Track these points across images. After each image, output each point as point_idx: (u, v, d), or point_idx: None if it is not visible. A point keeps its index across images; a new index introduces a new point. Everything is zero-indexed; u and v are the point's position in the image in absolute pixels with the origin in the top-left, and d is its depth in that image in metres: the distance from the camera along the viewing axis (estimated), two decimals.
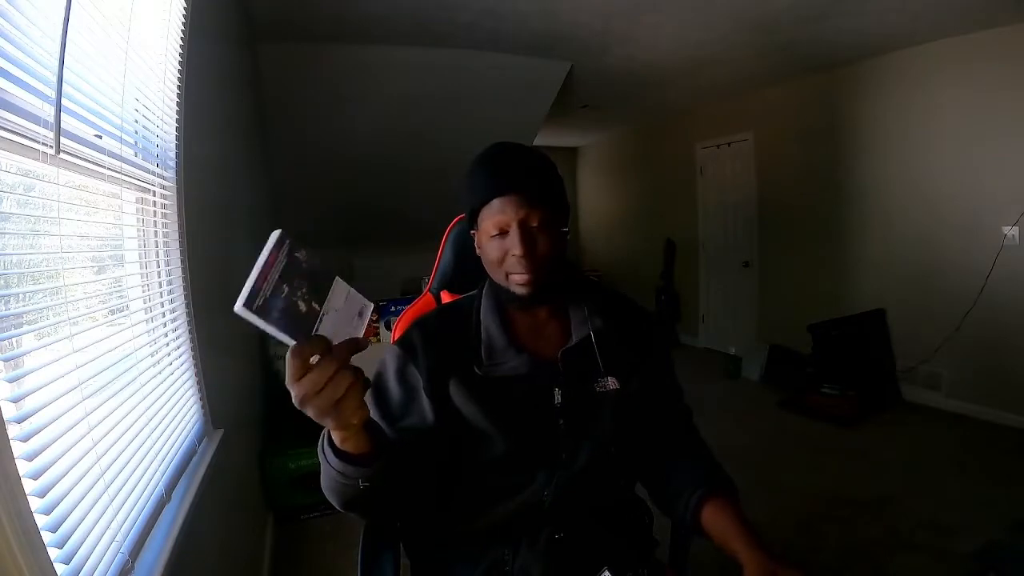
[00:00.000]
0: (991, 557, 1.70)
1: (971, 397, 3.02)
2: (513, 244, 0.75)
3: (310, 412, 0.50)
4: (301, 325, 0.48)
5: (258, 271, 0.45)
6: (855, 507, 2.14)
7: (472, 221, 0.81)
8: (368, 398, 0.79)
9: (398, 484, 0.68)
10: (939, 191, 3.10)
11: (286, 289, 0.46)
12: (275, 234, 0.46)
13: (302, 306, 0.48)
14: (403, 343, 0.82)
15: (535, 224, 0.75)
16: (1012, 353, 2.83)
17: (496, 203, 0.76)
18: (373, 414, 0.77)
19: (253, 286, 0.45)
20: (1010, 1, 2.46)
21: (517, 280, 0.77)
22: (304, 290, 0.48)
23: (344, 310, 0.51)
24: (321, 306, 0.49)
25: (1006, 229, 2.80)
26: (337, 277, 0.50)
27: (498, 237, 0.77)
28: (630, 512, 0.91)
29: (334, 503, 0.67)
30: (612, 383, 0.81)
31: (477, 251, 0.83)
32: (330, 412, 0.50)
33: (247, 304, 0.45)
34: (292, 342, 0.47)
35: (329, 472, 0.61)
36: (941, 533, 1.91)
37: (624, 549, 0.83)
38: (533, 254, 0.75)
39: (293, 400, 0.50)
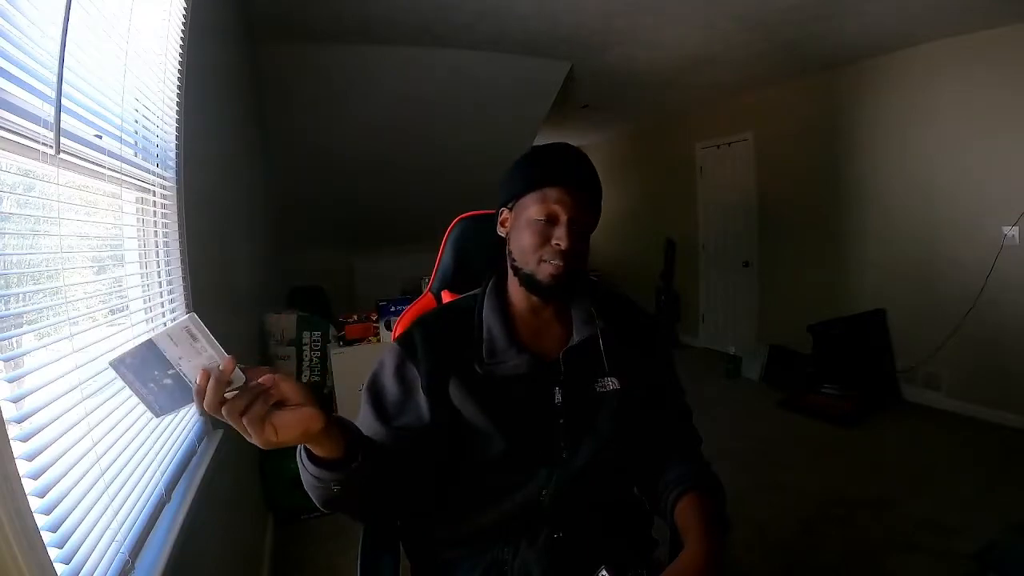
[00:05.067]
0: (991, 557, 1.70)
1: (971, 397, 3.02)
2: (561, 236, 0.76)
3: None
4: (183, 392, 0.52)
5: (137, 393, 0.51)
6: (855, 507, 2.14)
7: (509, 197, 0.82)
8: (364, 395, 0.80)
9: (384, 485, 0.68)
10: (939, 191, 3.10)
11: (152, 382, 0.51)
12: (111, 365, 0.49)
13: (168, 381, 0.51)
14: (403, 341, 0.82)
15: (583, 224, 0.78)
16: (1012, 353, 2.83)
17: (555, 191, 0.77)
18: (368, 412, 0.78)
19: (146, 402, 0.52)
20: (1010, 1, 2.46)
21: (550, 268, 0.77)
22: (156, 372, 0.51)
23: (185, 347, 0.50)
24: (171, 369, 0.51)
25: (1006, 229, 2.80)
26: (151, 339, 0.50)
27: (543, 223, 0.77)
28: (630, 512, 0.91)
29: (315, 501, 0.69)
30: (613, 383, 0.82)
31: (499, 230, 0.84)
32: (248, 431, 0.53)
33: (157, 413, 0.53)
34: (196, 405, 0.52)
35: (304, 474, 0.64)
36: (941, 533, 1.91)
37: (623, 549, 0.83)
38: (575, 250, 0.77)
39: None
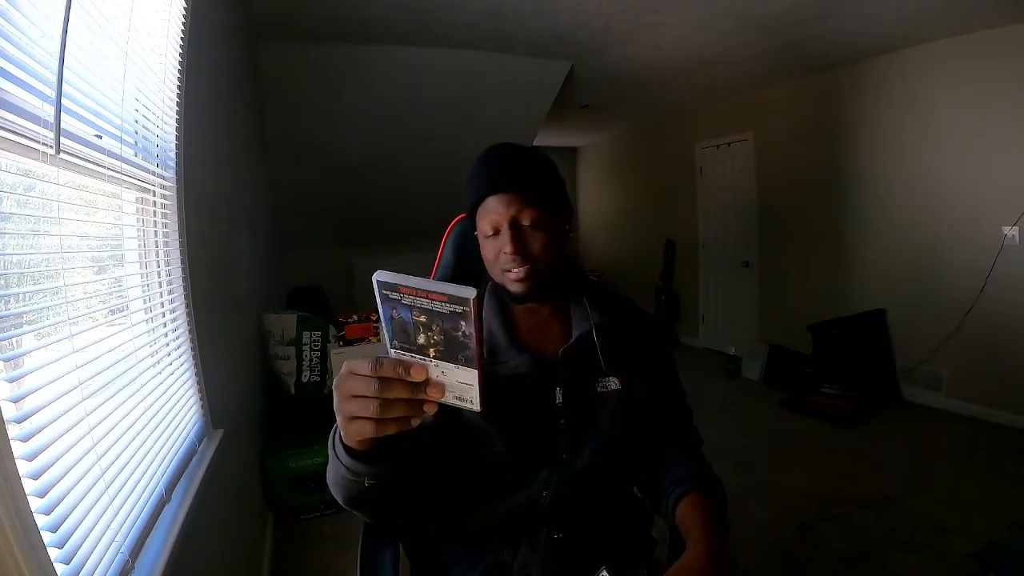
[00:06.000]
0: (991, 557, 1.70)
1: (971, 397, 3.02)
2: (504, 242, 0.76)
3: (339, 415, 0.49)
4: (402, 341, 0.45)
5: (417, 284, 0.42)
6: (855, 507, 2.14)
7: (472, 221, 0.82)
8: None
9: (401, 484, 0.68)
10: (939, 191, 3.10)
11: (423, 319, 0.43)
12: (469, 291, 0.41)
13: (420, 339, 0.44)
14: None
15: (527, 223, 0.76)
16: (1012, 353, 2.83)
17: (489, 202, 0.77)
18: None
19: (398, 282, 0.42)
20: (1010, 1, 2.47)
21: (511, 276, 0.78)
22: (436, 338, 0.44)
23: (452, 383, 0.46)
24: (433, 358, 0.45)
25: (1006, 229, 2.80)
26: (476, 371, 0.44)
27: (493, 237, 0.78)
28: (630, 512, 0.91)
29: (338, 498, 0.66)
30: (614, 383, 0.81)
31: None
32: (350, 426, 0.49)
33: (381, 282, 0.43)
34: (387, 342, 0.46)
35: (337, 467, 0.60)
36: (941, 533, 1.91)
37: (623, 549, 0.83)
38: (525, 252, 0.76)
39: (335, 386, 0.49)
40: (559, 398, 0.80)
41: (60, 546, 0.61)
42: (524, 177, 0.77)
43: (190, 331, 1.23)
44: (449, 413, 0.76)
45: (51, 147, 0.67)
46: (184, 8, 1.25)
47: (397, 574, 0.83)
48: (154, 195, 1.11)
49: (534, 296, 0.80)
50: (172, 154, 1.19)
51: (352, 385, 0.47)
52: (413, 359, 0.46)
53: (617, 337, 0.83)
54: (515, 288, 0.78)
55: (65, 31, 0.69)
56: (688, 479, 0.81)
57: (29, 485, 0.57)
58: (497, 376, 0.79)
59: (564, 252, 0.81)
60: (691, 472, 0.82)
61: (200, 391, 1.27)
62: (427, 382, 0.46)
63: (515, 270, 0.77)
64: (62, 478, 0.64)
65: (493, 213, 0.77)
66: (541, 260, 0.77)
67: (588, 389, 0.81)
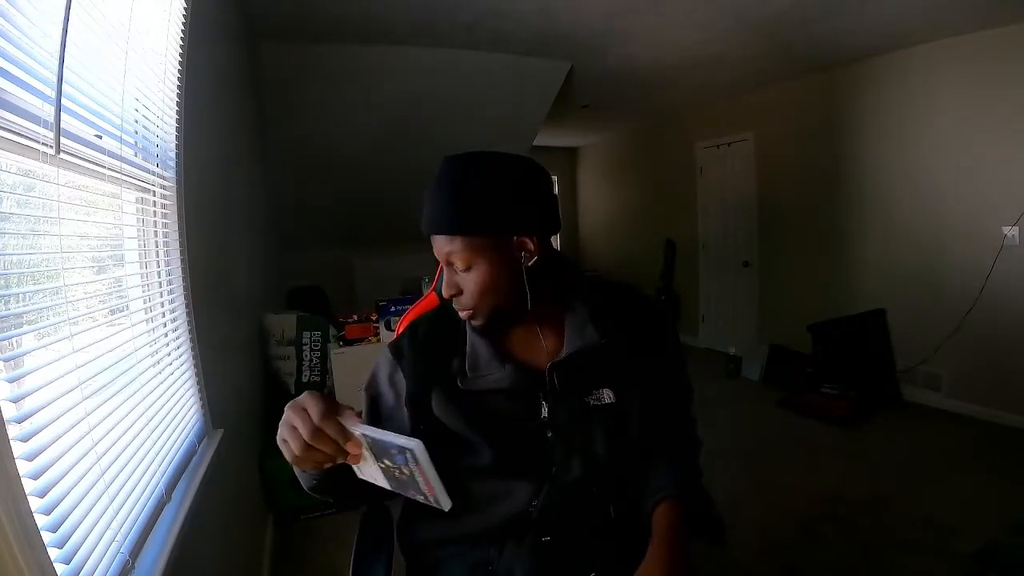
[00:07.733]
0: (991, 557, 1.70)
1: (971, 397, 3.02)
2: (443, 287, 0.77)
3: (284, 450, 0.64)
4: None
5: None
6: (855, 507, 2.14)
7: None
8: (363, 396, 0.83)
9: (347, 485, 0.70)
10: (939, 191, 3.10)
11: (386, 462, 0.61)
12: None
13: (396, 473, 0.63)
14: (394, 349, 0.83)
15: (459, 266, 0.74)
16: (1012, 353, 2.82)
17: (433, 243, 0.77)
18: (367, 415, 0.81)
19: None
20: (1010, 1, 2.46)
21: (460, 315, 0.79)
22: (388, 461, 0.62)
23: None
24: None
25: (1006, 229, 2.80)
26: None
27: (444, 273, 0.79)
28: (620, 519, 0.89)
29: (303, 486, 0.75)
30: (607, 396, 0.78)
31: None
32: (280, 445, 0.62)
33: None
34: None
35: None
36: (941, 533, 1.91)
37: (612, 553, 0.81)
38: (458, 297, 0.76)
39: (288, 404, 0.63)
40: (544, 412, 0.77)
41: (60, 546, 0.61)
42: (450, 218, 0.72)
43: (190, 331, 1.23)
44: (434, 426, 0.77)
45: (51, 147, 0.67)
46: (184, 8, 1.25)
47: (389, 572, 0.84)
48: (154, 195, 1.11)
49: (489, 328, 0.79)
50: (172, 154, 1.19)
51: (293, 416, 0.60)
52: (364, 438, 0.60)
53: (615, 345, 0.79)
54: (472, 323, 0.79)
55: (65, 31, 0.69)
56: (665, 487, 0.78)
57: (29, 485, 0.57)
58: (479, 389, 0.78)
59: (519, 280, 0.74)
60: (670, 480, 0.79)
61: (200, 391, 1.27)
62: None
63: (459, 310, 0.78)
64: (62, 478, 0.64)
65: (437, 253, 0.76)
66: (476, 301, 0.75)
67: (578, 402, 0.78)
